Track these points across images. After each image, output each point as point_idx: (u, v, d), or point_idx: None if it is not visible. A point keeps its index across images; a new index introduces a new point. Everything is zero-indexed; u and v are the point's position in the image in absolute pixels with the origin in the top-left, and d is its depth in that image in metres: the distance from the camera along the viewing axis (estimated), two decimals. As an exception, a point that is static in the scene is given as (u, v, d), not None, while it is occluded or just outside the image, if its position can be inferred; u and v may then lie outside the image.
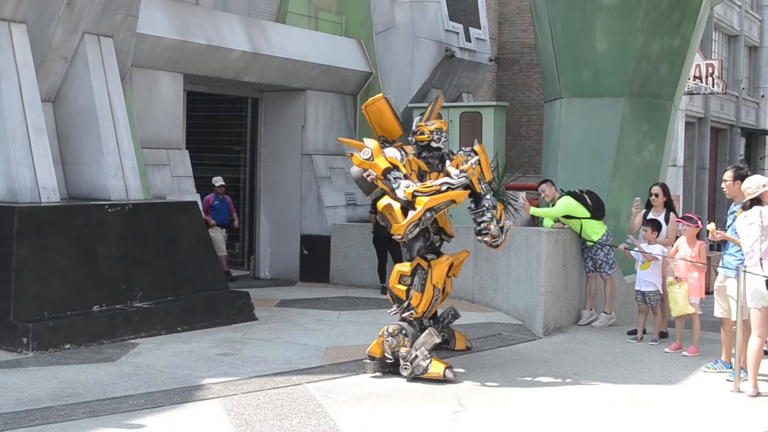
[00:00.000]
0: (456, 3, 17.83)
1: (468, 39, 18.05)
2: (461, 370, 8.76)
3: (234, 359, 9.07)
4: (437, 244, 8.94)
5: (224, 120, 16.76)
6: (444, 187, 8.26)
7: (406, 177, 8.38)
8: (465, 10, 18.25)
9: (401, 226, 8.30)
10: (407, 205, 8.29)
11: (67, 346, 9.27)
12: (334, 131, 16.19)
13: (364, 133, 15.32)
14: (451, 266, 8.87)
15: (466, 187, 8.50)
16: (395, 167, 8.39)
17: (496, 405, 7.73)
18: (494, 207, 8.80)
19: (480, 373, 8.77)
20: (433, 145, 8.73)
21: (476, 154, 8.84)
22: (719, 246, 9.05)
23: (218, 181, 15.19)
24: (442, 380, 8.31)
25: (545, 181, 12.12)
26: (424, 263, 8.67)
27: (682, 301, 9.85)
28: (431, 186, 8.29)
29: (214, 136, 16.80)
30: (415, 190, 8.24)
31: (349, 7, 16.94)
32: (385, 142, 8.85)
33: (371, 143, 8.50)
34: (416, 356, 8.34)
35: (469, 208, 8.93)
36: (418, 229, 8.38)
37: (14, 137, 10.18)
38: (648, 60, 14.20)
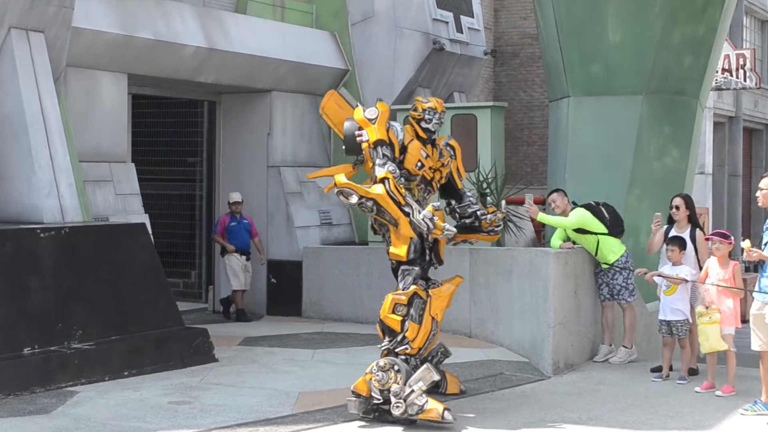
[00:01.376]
0: (444, -13, 17.91)
1: (459, 29, 18.09)
2: (459, 415, 8.73)
3: (190, 408, 9.02)
4: (425, 267, 8.98)
5: (176, 127, 16.79)
6: (406, 209, 8.52)
7: (394, 161, 8.67)
8: (455, -4, 18.33)
9: (342, 182, 8.58)
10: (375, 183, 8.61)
11: (-6, 396, 9.20)
12: (305, 138, 16.21)
13: (339, 140, 15.31)
14: None
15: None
16: (390, 145, 8.69)
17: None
18: (477, 203, 9.36)
19: (479, 420, 8.75)
20: (423, 125, 8.98)
21: (452, 148, 9.31)
22: (756, 267, 9.07)
23: (235, 197, 14.96)
24: (440, 423, 8.30)
25: (556, 190, 12.14)
26: (422, 292, 8.74)
27: (713, 335, 9.82)
28: (401, 194, 8.54)
29: (164, 147, 16.79)
30: (387, 179, 8.47)
31: (321, -6, 17.00)
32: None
33: (383, 106, 8.81)
34: (411, 392, 8.34)
35: (449, 204, 9.42)
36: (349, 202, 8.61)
37: (-72, 150, 10.15)
38: (668, 51, 14.31)
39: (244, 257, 14.92)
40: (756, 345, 8.88)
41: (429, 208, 8.60)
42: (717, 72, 24.85)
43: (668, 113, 14.50)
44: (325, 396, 9.58)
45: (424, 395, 8.35)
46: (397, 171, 8.60)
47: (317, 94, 16.26)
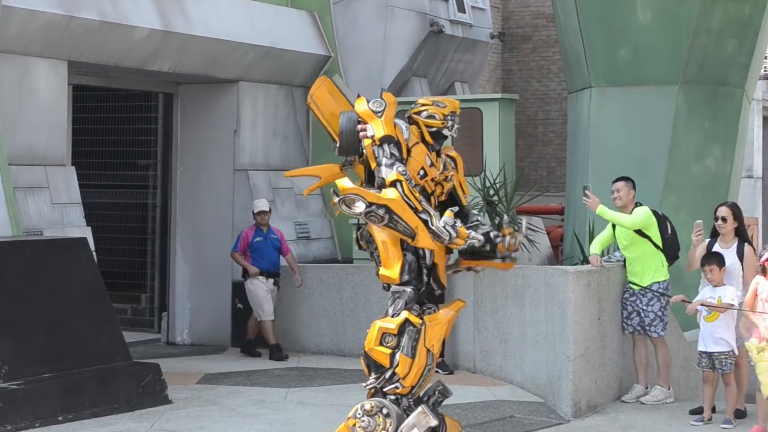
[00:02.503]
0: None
1: (461, 8, 18.23)
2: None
3: (137, 460, 8.93)
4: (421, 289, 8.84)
5: (126, 124, 16.82)
6: (423, 215, 8.33)
7: (402, 161, 8.53)
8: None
9: (347, 188, 8.41)
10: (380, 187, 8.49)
11: None
12: (279, 137, 16.24)
13: (320, 138, 15.32)
14: None
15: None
16: (398, 144, 8.58)
17: None
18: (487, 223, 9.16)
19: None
20: (446, 133, 8.89)
21: (453, 160, 9.06)
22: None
23: (260, 205, 14.63)
24: None
25: (623, 178, 11.88)
26: (415, 319, 8.56)
27: None
28: (416, 200, 8.37)
29: (111, 147, 16.85)
30: (400, 181, 8.33)
31: (298, -33, 17.04)
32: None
33: (390, 98, 8.66)
34: None
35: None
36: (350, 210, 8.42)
37: None
38: (708, 34, 14.42)
39: (270, 281, 14.56)
40: None
41: (448, 213, 8.45)
42: (766, 58, 24.83)
43: (709, 106, 14.61)
44: (299, 445, 9.52)
45: None
46: (408, 173, 8.46)
47: (293, 84, 16.42)
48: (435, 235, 8.33)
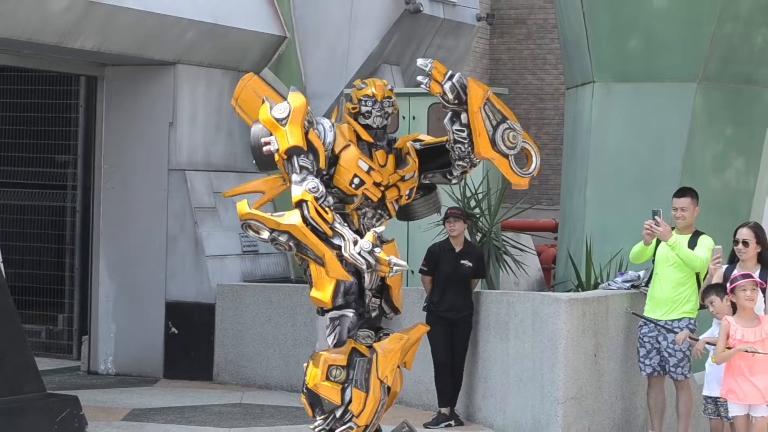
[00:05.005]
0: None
1: (443, -15, 18.24)
2: None
3: None
4: (373, 314, 8.98)
5: (41, 112, 16.79)
6: (335, 239, 8.34)
7: (319, 174, 8.54)
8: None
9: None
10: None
11: None
12: (223, 131, 16.28)
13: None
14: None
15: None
16: (310, 153, 8.56)
17: None
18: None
19: None
20: (361, 121, 8.91)
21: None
22: None
23: None
24: None
25: (688, 192, 11.86)
26: (362, 347, 8.73)
27: None
28: (327, 221, 8.36)
29: (23, 139, 16.83)
30: (306, 202, 8.33)
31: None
32: None
33: (297, 100, 8.61)
34: None
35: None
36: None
37: None
38: (734, 22, 14.41)
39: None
40: None
41: (369, 236, 8.40)
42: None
43: (732, 108, 14.59)
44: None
45: None
46: (321, 188, 8.43)
47: (241, 69, 16.28)
48: (348, 264, 8.39)
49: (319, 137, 8.67)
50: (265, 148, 8.57)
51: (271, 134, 8.55)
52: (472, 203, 14.45)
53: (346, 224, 8.56)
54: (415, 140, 9.25)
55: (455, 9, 18.48)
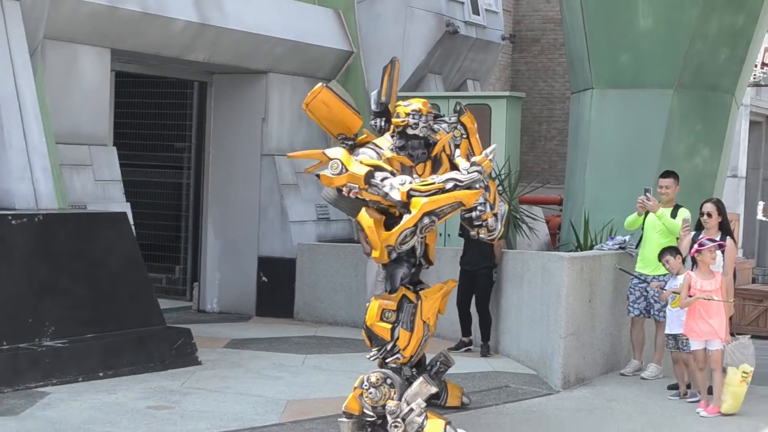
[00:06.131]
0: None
1: (476, 11, 18.19)
2: (462, 431, 8.81)
3: (170, 414, 9.12)
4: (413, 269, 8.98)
5: (163, 109, 16.80)
6: (450, 185, 8.24)
7: (394, 174, 8.40)
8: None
9: (391, 236, 8.31)
10: (404, 209, 8.32)
11: (-43, 394, 9.32)
12: (303, 125, 16.17)
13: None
14: None
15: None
16: (377, 168, 8.40)
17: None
18: (486, 188, 8.79)
19: (481, 436, 8.87)
20: (409, 132, 8.74)
21: (463, 125, 8.96)
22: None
23: None
24: None
25: (671, 174, 11.85)
26: (410, 294, 8.72)
27: (742, 397, 10.03)
28: (432, 183, 8.29)
29: (149, 130, 16.82)
30: (411, 189, 8.23)
31: (325, -32, 17.06)
32: (346, 140, 8.81)
33: (337, 152, 8.45)
34: (411, 410, 8.34)
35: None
36: (414, 240, 8.39)
37: None
38: (704, 41, 14.32)
39: None
40: None
41: (459, 161, 8.62)
42: (756, 66, 24.87)
43: (701, 110, 14.53)
44: (315, 405, 9.69)
45: (423, 412, 8.34)
46: (407, 181, 8.30)
47: (318, 76, 16.29)
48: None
49: (370, 158, 8.53)
50: (352, 194, 8.42)
51: (342, 186, 8.41)
52: (497, 182, 14.44)
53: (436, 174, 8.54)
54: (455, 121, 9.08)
55: (485, 30, 18.45)
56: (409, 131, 8.73)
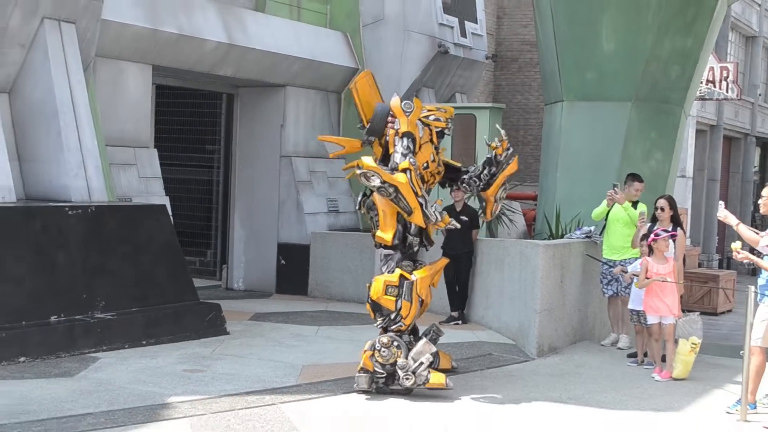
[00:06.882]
0: (451, -6, 17.96)
1: (463, 34, 18.14)
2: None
3: (203, 376, 9.14)
4: (415, 249, 9.11)
5: (196, 116, 16.81)
6: (421, 200, 8.64)
7: (414, 155, 8.78)
8: (461, 3, 18.34)
9: (369, 165, 8.64)
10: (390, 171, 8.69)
11: (22, 359, 9.31)
12: (316, 131, 16.17)
13: (348, 133, 15.34)
14: None
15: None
16: (414, 140, 8.79)
17: (485, 431, 7.82)
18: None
19: (468, 396, 8.88)
20: (447, 133, 9.22)
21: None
22: (754, 270, 9.08)
23: None
24: (444, 390, 8.68)
25: (638, 178, 11.88)
26: (407, 275, 8.91)
27: (691, 365, 10.06)
28: (419, 187, 8.64)
29: (185, 134, 16.82)
30: (409, 170, 8.58)
31: (335, -3, 17.01)
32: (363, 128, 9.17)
33: (418, 103, 8.92)
34: (420, 364, 8.65)
35: (462, 181, 9.51)
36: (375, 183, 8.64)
37: (-35, 131, 10.20)
38: (658, 61, 14.29)
39: None
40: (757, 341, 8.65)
41: (438, 201, 8.86)
42: (701, 83, 24.86)
43: (655, 119, 14.47)
44: (327, 369, 9.69)
45: (428, 367, 8.65)
46: (417, 164, 8.70)
47: (328, 90, 16.38)
48: (426, 216, 8.66)
49: (418, 134, 8.89)
50: (390, 124, 8.81)
51: (395, 117, 8.78)
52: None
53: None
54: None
55: (471, 51, 18.40)
56: (446, 133, 9.25)
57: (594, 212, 11.95)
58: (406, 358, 8.69)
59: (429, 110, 9.18)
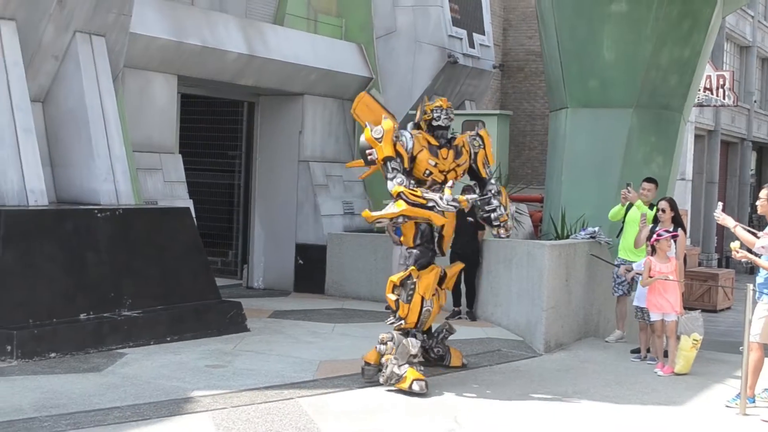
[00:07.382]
0: (460, 8, 17.89)
1: (471, 45, 18.12)
2: (460, 385, 8.73)
3: (224, 371, 9.08)
4: (430, 255, 9.06)
5: (219, 124, 16.78)
6: (430, 203, 8.48)
7: (404, 171, 8.63)
8: (469, 16, 18.30)
9: (371, 216, 8.64)
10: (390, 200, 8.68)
11: (53, 354, 9.27)
12: (332, 137, 16.21)
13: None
14: (443, 278, 9.09)
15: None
16: (397, 158, 8.62)
17: (494, 424, 7.76)
18: (499, 192, 9.15)
19: (477, 391, 8.80)
20: (434, 123, 8.96)
21: (481, 138, 9.18)
22: (752, 269, 9.01)
23: None
24: (408, 392, 8.43)
25: (653, 181, 11.64)
26: (414, 273, 8.86)
27: (692, 360, 9.94)
28: (420, 196, 8.47)
29: (208, 141, 16.81)
30: (402, 192, 8.45)
31: (350, 10, 16.97)
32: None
33: (387, 125, 8.69)
34: (393, 363, 8.58)
35: (470, 186, 9.44)
36: (385, 224, 8.66)
37: (2, 137, 10.19)
38: (657, 70, 14.33)
39: None
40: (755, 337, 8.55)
41: (446, 191, 8.58)
42: (699, 90, 24.80)
43: (655, 125, 14.52)
44: (343, 364, 9.63)
45: (403, 366, 8.52)
46: (405, 180, 8.55)
47: (344, 98, 16.33)
48: (442, 214, 8.53)
49: (403, 146, 8.70)
50: (369, 158, 8.71)
51: (372, 148, 8.66)
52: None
53: (429, 190, 8.66)
54: (475, 134, 9.24)
55: (479, 61, 18.38)
56: (434, 123, 8.97)
57: (611, 212, 11.82)
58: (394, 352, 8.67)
59: (424, 103, 9.08)
